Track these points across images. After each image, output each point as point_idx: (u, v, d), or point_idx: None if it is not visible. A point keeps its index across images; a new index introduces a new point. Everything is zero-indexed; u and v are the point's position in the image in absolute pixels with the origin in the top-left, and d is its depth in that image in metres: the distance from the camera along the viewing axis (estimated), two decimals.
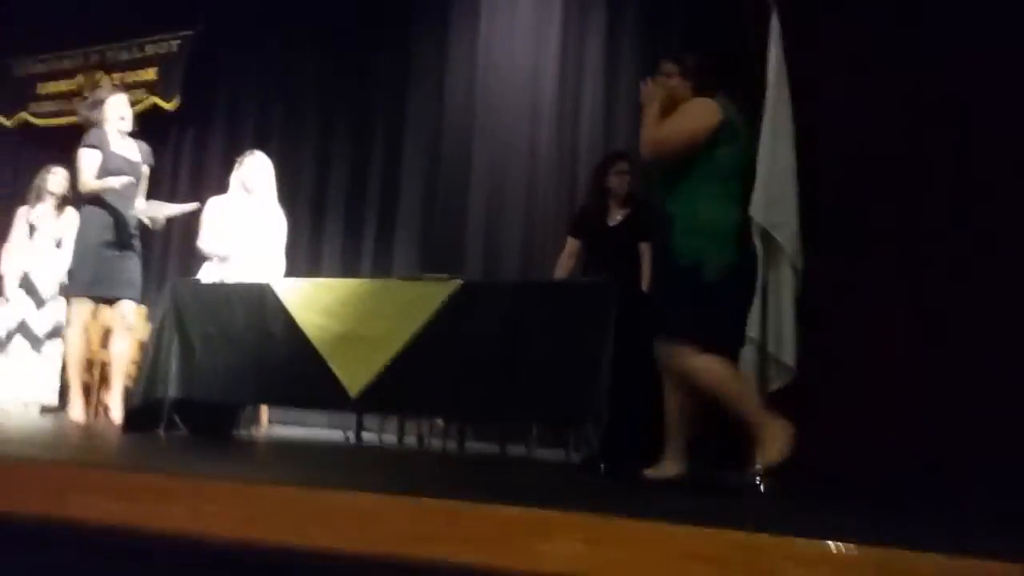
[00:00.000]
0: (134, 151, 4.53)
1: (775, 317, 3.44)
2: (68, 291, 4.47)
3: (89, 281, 4.30)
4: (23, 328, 5.57)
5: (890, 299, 4.18)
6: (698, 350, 2.77)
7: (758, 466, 2.74)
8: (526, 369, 3.45)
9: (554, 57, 6.03)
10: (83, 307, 4.37)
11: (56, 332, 5.63)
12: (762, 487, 2.70)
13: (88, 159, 4.36)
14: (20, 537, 1.93)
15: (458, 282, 3.74)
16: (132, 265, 4.45)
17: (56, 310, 5.64)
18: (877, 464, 3.81)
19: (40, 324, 5.59)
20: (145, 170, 4.57)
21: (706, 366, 2.76)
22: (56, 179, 5.68)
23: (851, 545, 1.43)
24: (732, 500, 2.72)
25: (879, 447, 3.87)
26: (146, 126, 4.74)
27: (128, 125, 4.55)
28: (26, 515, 1.95)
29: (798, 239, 3.53)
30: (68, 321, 4.53)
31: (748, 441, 2.92)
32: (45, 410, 5.55)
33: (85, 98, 7.65)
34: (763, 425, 2.73)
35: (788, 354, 3.44)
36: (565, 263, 4.45)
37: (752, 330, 3.48)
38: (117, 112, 4.50)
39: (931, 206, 4.19)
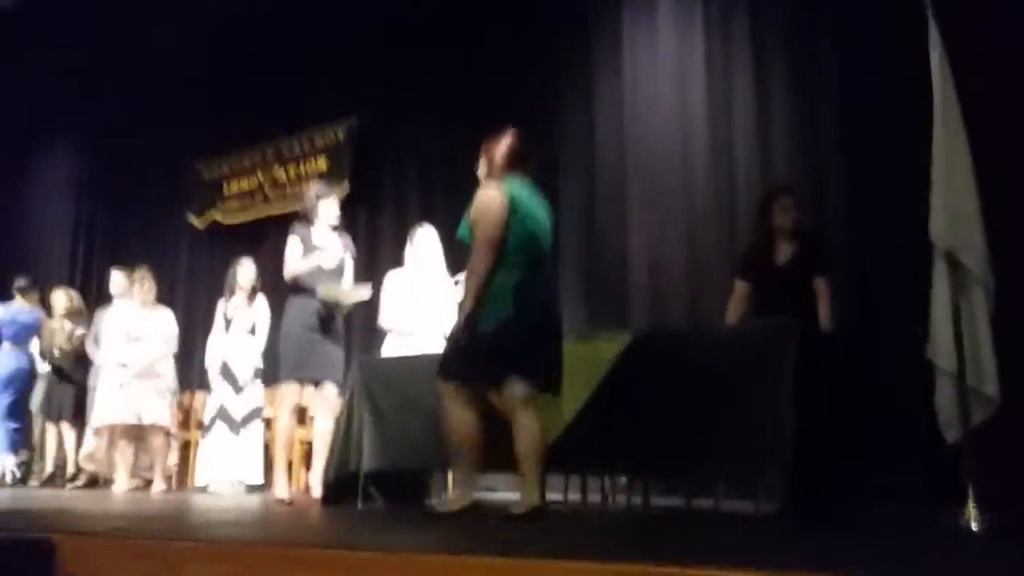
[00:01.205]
0: (336, 243, 4.85)
1: (971, 346, 3.23)
2: (278, 376, 4.75)
3: (295, 365, 4.60)
4: (223, 413, 6.01)
5: None
6: (464, 391, 3.31)
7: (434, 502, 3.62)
8: (704, 420, 3.39)
9: (701, 92, 5.98)
10: (291, 390, 4.66)
11: (253, 415, 6.04)
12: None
13: (291, 247, 4.73)
14: None
15: (629, 336, 3.74)
16: (335, 348, 4.74)
17: (252, 395, 6.07)
18: None
19: (238, 409, 6.01)
20: (348, 260, 4.88)
21: (457, 416, 3.34)
22: (244, 271, 6.14)
23: None
24: (942, 544, 2.56)
25: None
26: None
27: (334, 221, 4.88)
28: None
29: (986, 257, 3.33)
30: (277, 404, 4.83)
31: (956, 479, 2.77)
32: (251, 489, 5.93)
33: (266, 193, 8.32)
34: (460, 484, 3.43)
35: (990, 385, 3.23)
36: (736, 307, 4.34)
37: (945, 361, 3.29)
38: (325, 209, 4.85)
39: None
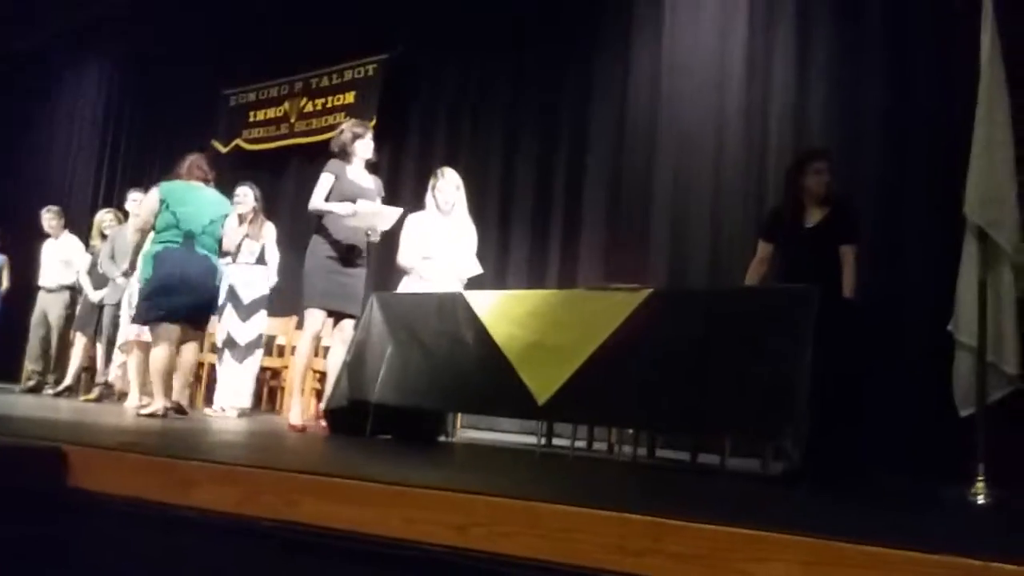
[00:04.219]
0: (369, 181, 4.86)
1: (994, 323, 3.19)
2: (304, 302, 4.76)
3: (323, 293, 4.62)
4: (229, 340, 5.94)
5: None
6: (158, 334, 4.83)
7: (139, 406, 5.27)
8: (718, 380, 3.35)
9: (740, 51, 5.87)
10: (315, 317, 4.67)
11: (256, 344, 6.01)
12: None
13: (322, 182, 4.72)
14: (256, 537, 2.09)
15: (648, 291, 3.71)
16: (357, 283, 4.78)
17: (257, 323, 6.01)
18: None
19: (242, 335, 5.96)
20: (378, 200, 4.88)
21: (156, 351, 4.80)
22: (240, 199, 6.01)
23: None
24: (951, 518, 2.56)
25: None
26: None
27: (370, 156, 4.92)
28: (260, 517, 2.11)
29: (1018, 237, 3.27)
30: (291, 331, 4.85)
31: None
32: (242, 414, 5.86)
33: (292, 123, 8.28)
34: (159, 396, 4.74)
35: (1010, 362, 3.19)
36: (757, 269, 4.31)
37: (966, 335, 3.26)
38: (362, 147, 4.83)
39: None
